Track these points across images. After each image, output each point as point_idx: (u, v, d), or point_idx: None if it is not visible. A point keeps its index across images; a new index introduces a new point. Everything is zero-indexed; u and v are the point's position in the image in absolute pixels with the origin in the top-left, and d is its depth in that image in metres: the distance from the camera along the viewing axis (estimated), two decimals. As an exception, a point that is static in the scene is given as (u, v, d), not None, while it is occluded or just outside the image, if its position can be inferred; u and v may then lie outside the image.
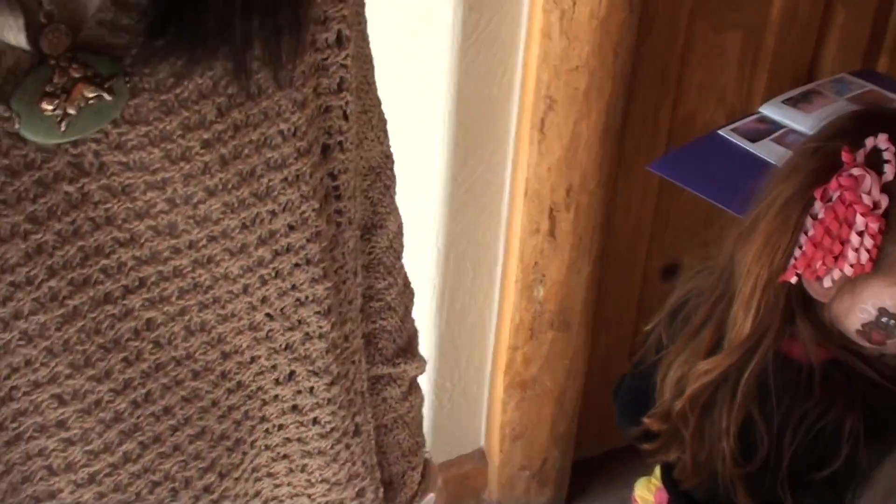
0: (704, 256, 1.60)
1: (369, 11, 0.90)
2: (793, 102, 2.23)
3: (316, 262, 0.85)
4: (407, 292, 1.07)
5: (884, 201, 1.30)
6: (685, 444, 1.49)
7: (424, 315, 2.23)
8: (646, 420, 1.57)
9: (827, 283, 1.36)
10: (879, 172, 1.31)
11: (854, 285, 1.36)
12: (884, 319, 1.37)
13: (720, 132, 2.14)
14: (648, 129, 2.22)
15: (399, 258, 1.03)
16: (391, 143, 1.00)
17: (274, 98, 0.79)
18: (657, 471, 1.73)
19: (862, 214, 1.30)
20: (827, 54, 2.35)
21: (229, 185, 0.78)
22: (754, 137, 2.13)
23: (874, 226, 1.30)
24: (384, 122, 0.98)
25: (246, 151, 0.79)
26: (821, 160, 1.36)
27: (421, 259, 2.17)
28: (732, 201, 1.99)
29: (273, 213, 0.82)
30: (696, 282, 1.57)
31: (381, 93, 0.96)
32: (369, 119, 0.94)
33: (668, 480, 1.62)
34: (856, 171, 1.31)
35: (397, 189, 1.02)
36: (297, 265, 0.84)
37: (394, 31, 2.06)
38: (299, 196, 0.82)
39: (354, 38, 0.85)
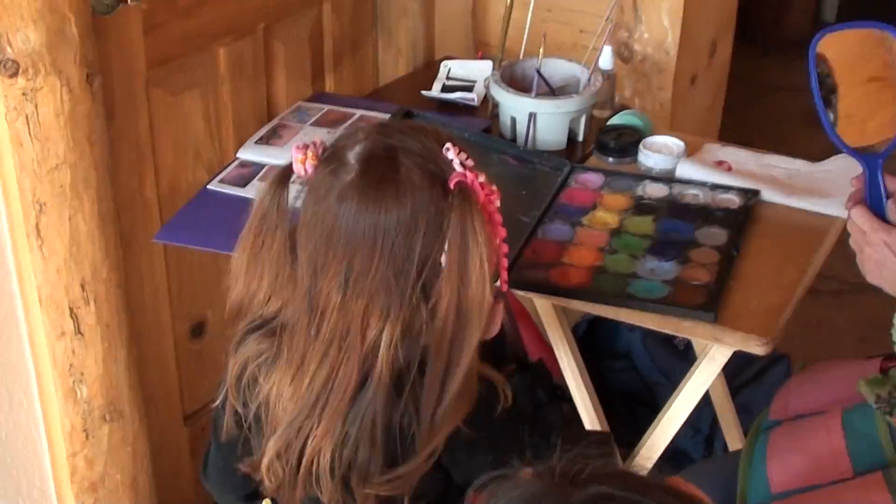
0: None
1: None
2: (265, 140, 2.35)
3: None
4: None
5: None
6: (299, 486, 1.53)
7: (-29, 454, 2.14)
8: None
9: None
10: None
11: None
12: None
13: (209, 187, 2.23)
14: (139, 204, 2.24)
15: None
16: None
17: None
18: None
19: None
20: (279, 89, 2.48)
21: None
22: (242, 183, 2.23)
23: None
24: None
25: None
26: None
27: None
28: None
29: None
30: (250, 347, 1.55)
31: None
32: None
33: None
34: None
35: None
36: None
37: None
38: None
39: None
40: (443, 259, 1.43)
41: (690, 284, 1.95)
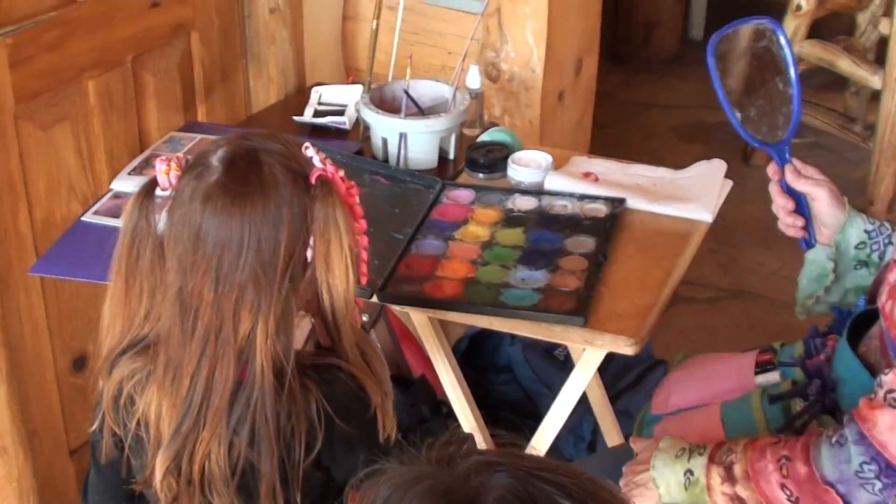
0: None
1: None
2: (138, 171, 2.36)
3: None
4: None
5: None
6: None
7: None
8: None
9: None
10: None
11: None
12: None
13: (84, 219, 2.23)
14: (13, 238, 2.24)
15: None
16: None
17: None
18: None
19: None
20: (151, 120, 2.49)
21: None
22: (116, 214, 2.23)
23: None
24: None
25: None
26: None
27: None
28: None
29: None
30: (123, 367, 1.57)
31: None
32: None
33: None
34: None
35: None
36: None
37: None
38: None
39: None
40: (308, 251, 1.48)
41: (560, 291, 2.01)
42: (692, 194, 2.27)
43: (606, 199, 2.25)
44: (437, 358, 2.19)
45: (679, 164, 2.45)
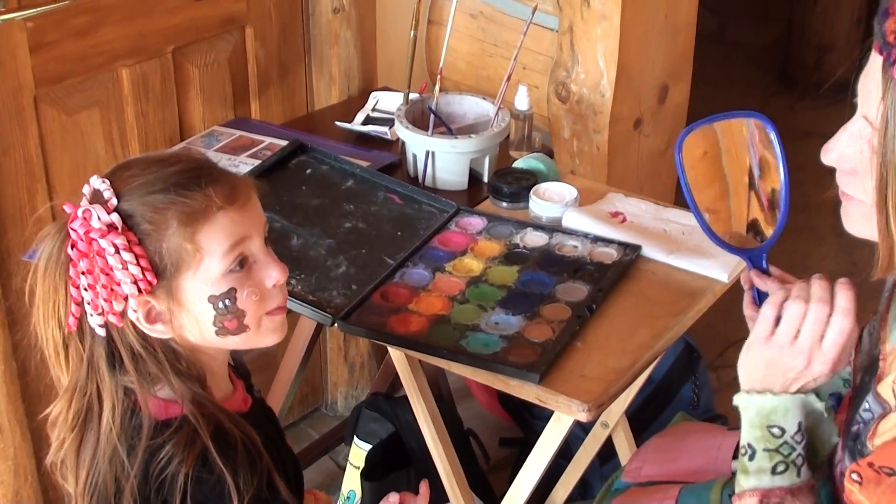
0: None
1: None
2: (164, 164, 2.33)
3: None
4: None
5: (117, 220, 1.39)
6: None
7: None
8: None
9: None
10: (104, 202, 1.42)
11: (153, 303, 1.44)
12: (220, 305, 1.45)
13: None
14: (27, 219, 2.24)
15: None
16: None
17: None
18: None
19: (102, 237, 1.38)
20: (194, 113, 2.46)
21: None
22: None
23: (121, 241, 1.38)
24: None
25: None
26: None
27: None
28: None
29: None
30: None
31: None
32: None
33: None
34: (83, 213, 1.42)
35: None
36: None
37: None
38: None
39: None
40: None
41: (528, 341, 1.87)
42: (718, 249, 2.07)
43: (621, 245, 2.09)
44: (412, 393, 2.08)
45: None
